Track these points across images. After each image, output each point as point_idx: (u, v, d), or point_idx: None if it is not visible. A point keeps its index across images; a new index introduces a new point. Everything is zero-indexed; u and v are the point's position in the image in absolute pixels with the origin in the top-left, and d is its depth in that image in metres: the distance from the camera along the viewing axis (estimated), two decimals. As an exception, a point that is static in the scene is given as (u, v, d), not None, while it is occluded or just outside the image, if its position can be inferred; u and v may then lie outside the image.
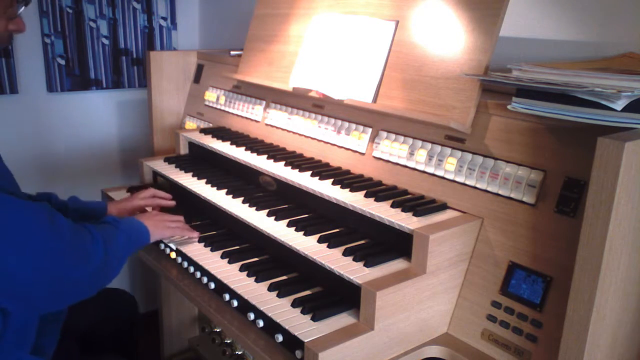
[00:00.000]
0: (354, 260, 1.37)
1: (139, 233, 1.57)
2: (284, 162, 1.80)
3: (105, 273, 1.40)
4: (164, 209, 1.87)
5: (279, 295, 1.40)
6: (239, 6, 2.79)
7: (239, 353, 2.24)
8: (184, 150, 2.28)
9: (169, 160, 2.17)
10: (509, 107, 1.30)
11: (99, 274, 1.38)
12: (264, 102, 2.14)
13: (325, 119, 1.86)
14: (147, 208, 1.92)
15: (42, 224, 1.26)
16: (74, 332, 1.75)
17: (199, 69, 2.57)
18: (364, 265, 1.34)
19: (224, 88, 2.37)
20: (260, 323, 1.35)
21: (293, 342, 1.25)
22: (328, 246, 1.44)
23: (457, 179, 1.45)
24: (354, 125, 1.76)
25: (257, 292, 1.42)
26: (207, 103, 2.45)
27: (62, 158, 2.79)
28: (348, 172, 1.73)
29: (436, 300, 1.35)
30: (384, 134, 1.66)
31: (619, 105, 1.11)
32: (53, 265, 1.26)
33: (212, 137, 2.14)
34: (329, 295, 1.40)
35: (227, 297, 1.46)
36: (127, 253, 1.49)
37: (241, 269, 1.54)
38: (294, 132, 1.97)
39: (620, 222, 1.02)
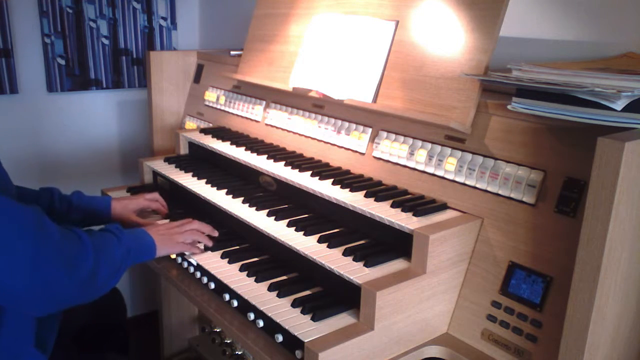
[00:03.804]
0: (354, 260, 1.37)
1: (142, 247, 1.52)
2: (284, 162, 1.80)
3: (96, 282, 1.33)
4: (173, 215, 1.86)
5: (279, 295, 1.40)
6: (239, 6, 2.79)
7: (239, 353, 2.24)
8: (184, 150, 2.28)
9: (169, 160, 2.17)
10: (509, 107, 1.29)
11: (89, 282, 1.32)
12: (264, 102, 2.14)
13: (325, 119, 1.86)
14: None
15: (27, 229, 1.21)
16: (70, 331, 1.75)
17: (199, 69, 2.57)
18: (364, 265, 1.34)
19: (224, 88, 2.37)
20: (260, 323, 1.35)
21: (293, 342, 1.25)
22: (328, 246, 1.44)
23: (457, 179, 1.45)
24: (354, 125, 1.76)
25: (257, 292, 1.42)
26: (207, 103, 2.45)
27: (62, 158, 2.79)
28: (348, 172, 1.73)
29: (436, 300, 1.35)
30: (384, 134, 1.66)
31: (619, 105, 1.11)
32: (36, 271, 1.21)
33: (212, 137, 2.14)
34: (329, 295, 1.40)
35: (227, 297, 1.46)
36: (124, 265, 1.42)
37: (241, 269, 1.54)
38: (294, 132, 1.97)
39: (620, 222, 1.02)
